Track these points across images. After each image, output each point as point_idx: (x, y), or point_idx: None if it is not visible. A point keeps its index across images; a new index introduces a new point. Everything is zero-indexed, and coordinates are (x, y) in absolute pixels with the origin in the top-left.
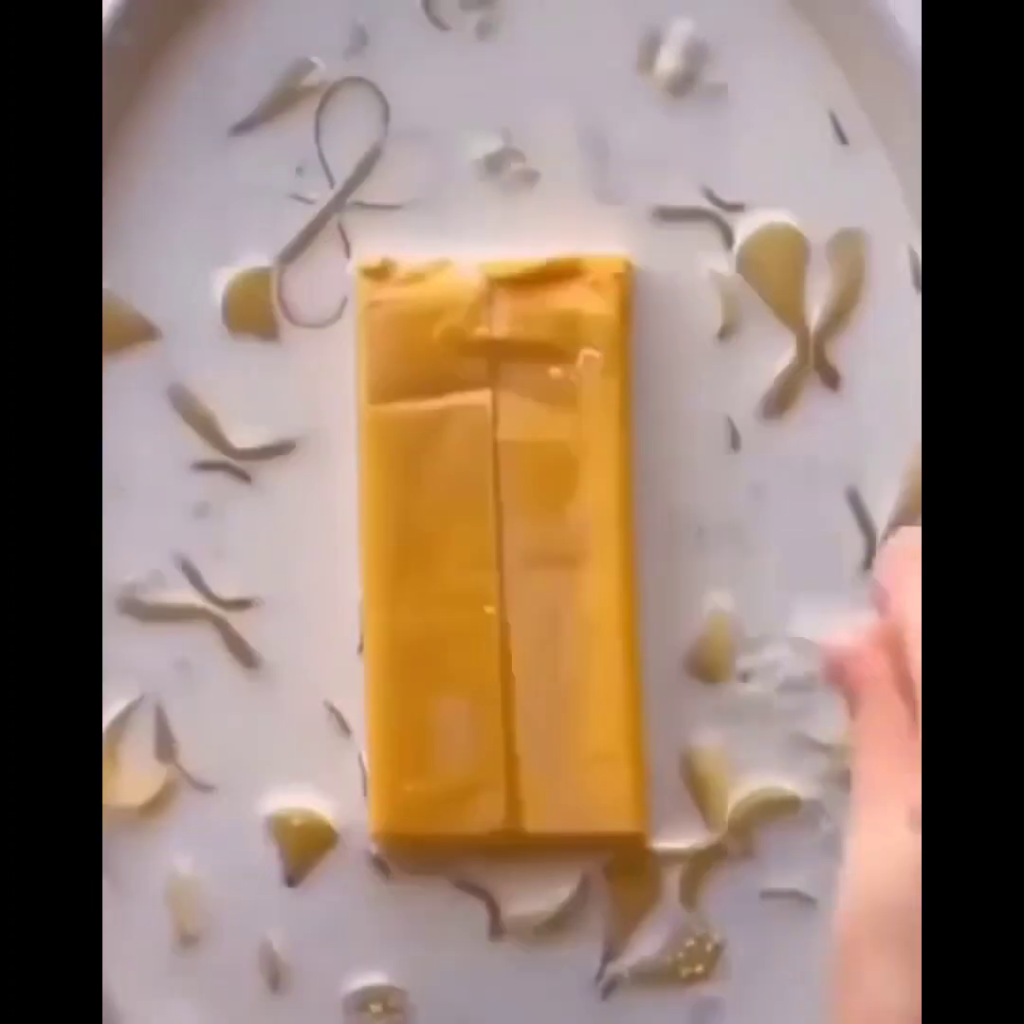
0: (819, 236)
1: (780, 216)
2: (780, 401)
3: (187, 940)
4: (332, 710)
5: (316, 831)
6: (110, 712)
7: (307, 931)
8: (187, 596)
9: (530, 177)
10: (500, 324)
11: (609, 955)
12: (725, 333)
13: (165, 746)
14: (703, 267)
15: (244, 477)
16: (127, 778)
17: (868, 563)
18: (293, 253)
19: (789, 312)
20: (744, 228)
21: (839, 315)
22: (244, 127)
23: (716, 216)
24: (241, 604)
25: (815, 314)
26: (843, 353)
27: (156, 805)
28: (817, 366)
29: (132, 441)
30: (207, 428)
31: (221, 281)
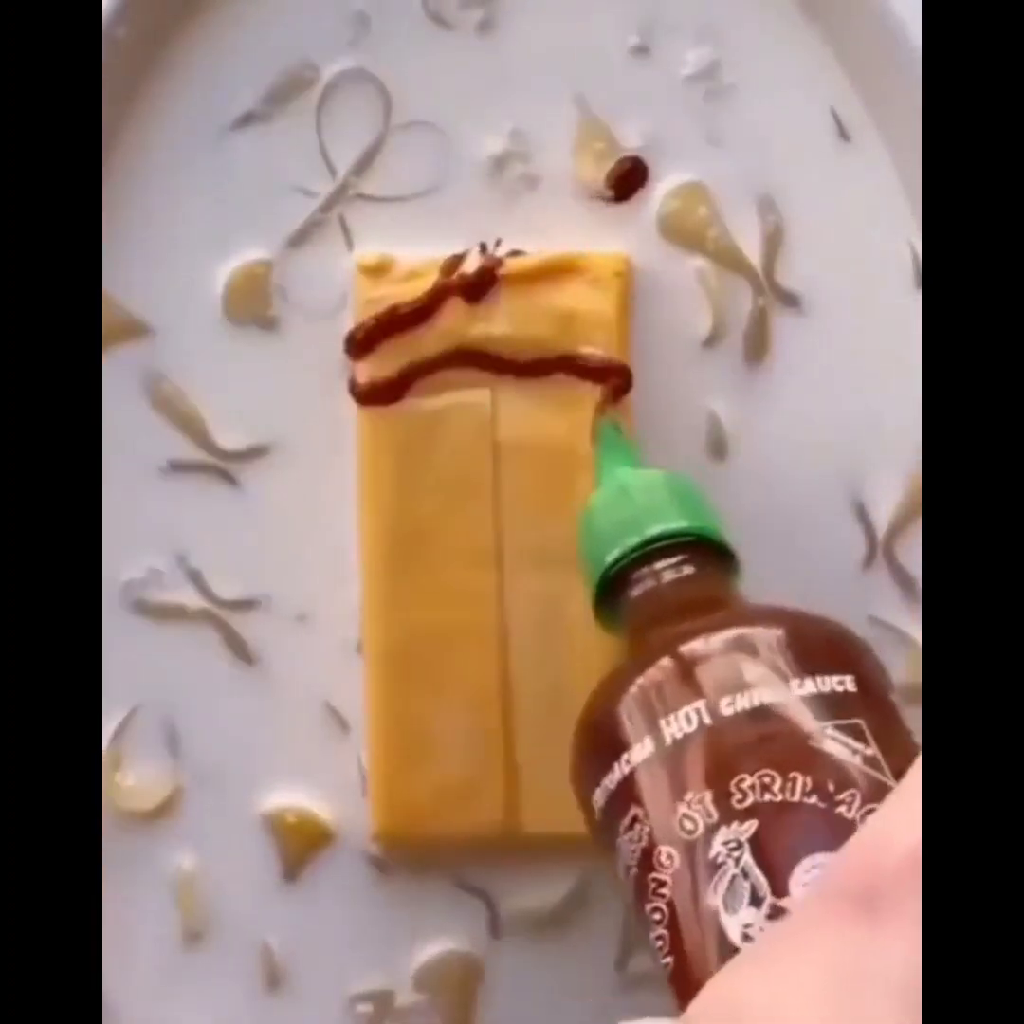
0: (819, 232)
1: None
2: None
3: (187, 939)
4: (331, 709)
5: (315, 830)
6: (111, 712)
7: (306, 931)
8: (186, 596)
9: (532, 173)
10: (499, 322)
11: (610, 954)
12: (721, 333)
13: (166, 747)
14: (702, 266)
15: (242, 475)
16: (128, 779)
17: (868, 563)
18: (295, 246)
19: None
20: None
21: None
22: (245, 120)
23: (717, 214)
24: (240, 604)
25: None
26: (842, 350)
27: (158, 806)
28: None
29: (129, 439)
30: (205, 426)
31: (221, 274)
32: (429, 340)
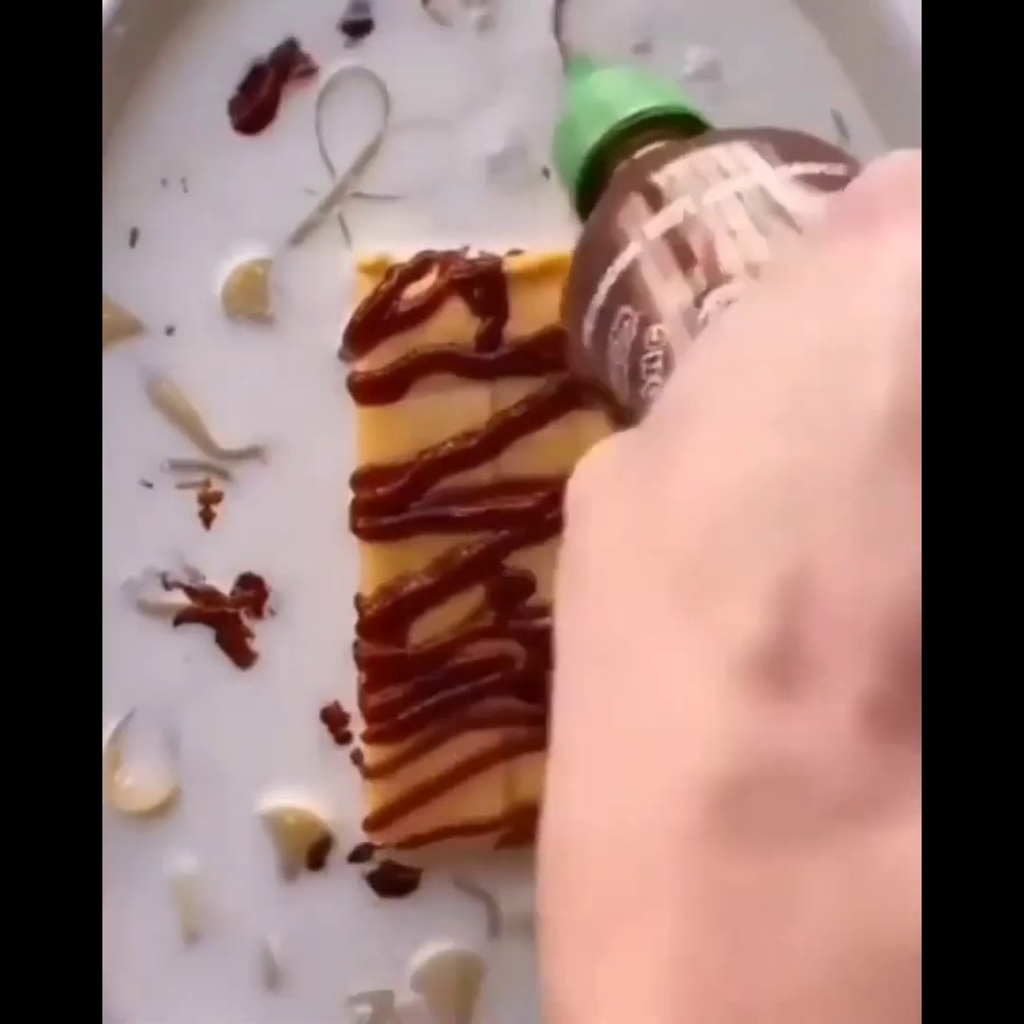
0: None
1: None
2: None
3: (187, 939)
4: (330, 709)
5: (314, 831)
6: (110, 712)
7: (306, 931)
8: (186, 596)
9: (532, 173)
10: (499, 321)
11: None
12: None
13: (165, 747)
14: None
15: (241, 475)
16: (127, 779)
17: None
18: (294, 245)
19: None
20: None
21: None
22: (245, 119)
23: None
24: (239, 603)
25: None
26: None
27: (158, 806)
28: None
29: (129, 438)
30: (204, 426)
31: (221, 274)
32: (429, 339)
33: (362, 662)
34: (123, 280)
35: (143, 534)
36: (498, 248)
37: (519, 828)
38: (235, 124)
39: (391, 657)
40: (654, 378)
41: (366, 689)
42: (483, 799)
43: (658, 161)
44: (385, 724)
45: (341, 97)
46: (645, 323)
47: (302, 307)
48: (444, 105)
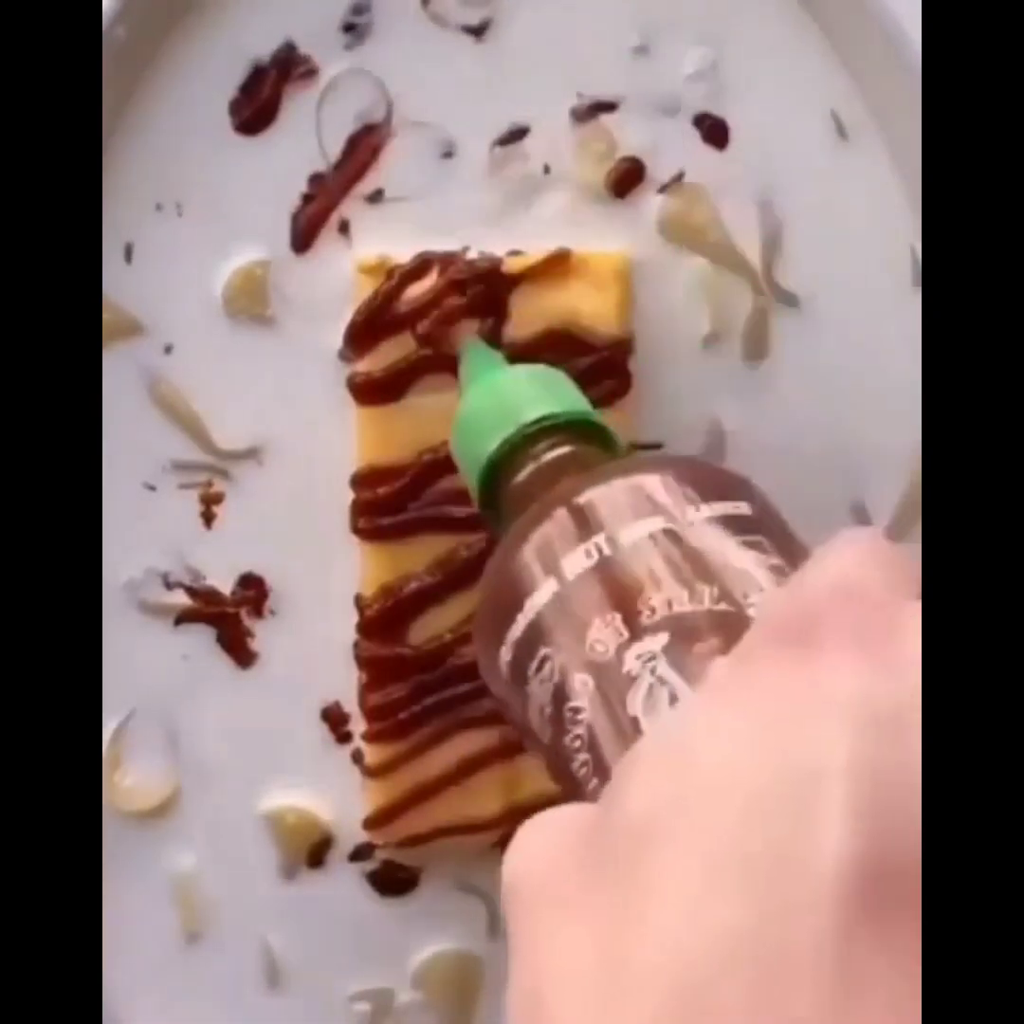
0: (819, 232)
1: (780, 212)
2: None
3: (187, 939)
4: (331, 709)
5: (314, 830)
6: (110, 712)
7: (306, 931)
8: (186, 596)
9: (532, 173)
10: (498, 321)
11: None
12: (721, 333)
13: (165, 747)
14: (702, 266)
15: (242, 475)
16: (127, 779)
17: None
18: (295, 246)
19: None
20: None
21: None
22: (245, 119)
23: (717, 214)
24: (239, 603)
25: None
26: (842, 350)
27: (158, 806)
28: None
29: (129, 438)
30: (204, 426)
31: (221, 274)
32: (428, 339)
33: (362, 662)
34: (123, 281)
35: (144, 534)
36: (498, 248)
37: (518, 827)
38: (236, 125)
39: (391, 657)
40: (579, 730)
41: (366, 689)
42: (483, 798)
43: (577, 485)
44: (385, 723)
45: (341, 98)
46: (566, 670)
47: (302, 308)
48: (444, 105)
